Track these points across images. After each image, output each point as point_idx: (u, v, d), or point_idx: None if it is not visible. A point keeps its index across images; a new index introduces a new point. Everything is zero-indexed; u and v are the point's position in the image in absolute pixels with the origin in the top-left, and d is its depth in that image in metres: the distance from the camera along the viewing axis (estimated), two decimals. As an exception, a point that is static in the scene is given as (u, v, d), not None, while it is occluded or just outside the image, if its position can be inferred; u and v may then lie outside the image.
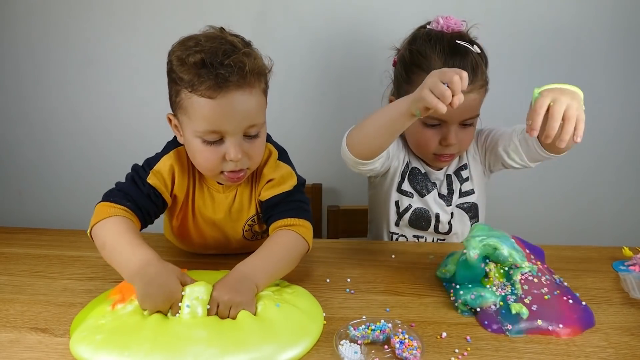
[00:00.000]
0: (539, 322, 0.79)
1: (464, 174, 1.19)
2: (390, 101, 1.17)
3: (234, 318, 0.77)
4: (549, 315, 0.80)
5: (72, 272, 0.99)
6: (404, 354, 0.72)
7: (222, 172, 0.92)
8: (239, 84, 0.84)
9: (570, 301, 0.85)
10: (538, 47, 1.41)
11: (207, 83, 0.83)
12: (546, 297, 0.84)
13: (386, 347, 0.75)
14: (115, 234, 0.85)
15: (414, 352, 0.72)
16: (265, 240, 0.92)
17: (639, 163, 1.50)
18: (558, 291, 0.86)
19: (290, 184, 0.98)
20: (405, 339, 0.74)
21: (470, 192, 1.20)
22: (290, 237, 0.92)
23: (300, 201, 0.98)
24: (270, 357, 0.72)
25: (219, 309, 0.78)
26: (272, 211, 0.97)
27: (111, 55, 1.47)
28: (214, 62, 0.83)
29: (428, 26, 1.12)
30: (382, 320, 0.78)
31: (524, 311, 0.80)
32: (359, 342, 0.75)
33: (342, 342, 0.74)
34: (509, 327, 0.79)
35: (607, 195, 1.53)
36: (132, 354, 0.71)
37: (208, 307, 0.78)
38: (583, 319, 0.82)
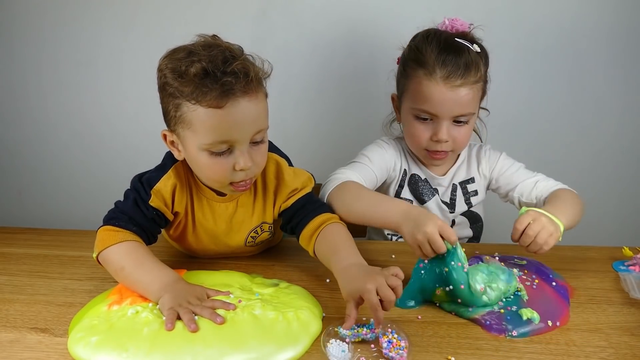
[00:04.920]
0: (549, 322, 0.80)
1: (470, 187, 1.19)
2: (392, 98, 1.18)
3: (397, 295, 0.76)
4: (548, 312, 0.82)
5: (72, 272, 0.99)
6: (391, 354, 0.72)
7: (230, 183, 0.90)
8: (244, 90, 0.82)
9: (554, 284, 0.91)
10: (539, 47, 1.41)
11: (212, 93, 0.81)
12: (534, 286, 0.90)
13: (373, 346, 0.75)
14: (136, 258, 0.87)
15: (401, 351, 0.72)
16: (327, 239, 0.92)
17: (639, 162, 1.50)
18: (536, 280, 0.92)
19: (310, 186, 1.00)
20: (394, 338, 0.74)
21: (476, 205, 1.20)
22: (343, 230, 0.95)
23: (320, 199, 1.02)
24: (268, 357, 0.72)
25: (380, 293, 0.75)
26: (300, 213, 0.97)
27: (110, 56, 1.47)
28: (217, 71, 0.81)
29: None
30: (372, 320, 0.78)
31: (536, 316, 0.80)
32: (347, 340, 0.75)
33: (331, 341, 0.74)
34: (514, 333, 0.78)
35: (606, 195, 1.53)
36: (132, 355, 0.71)
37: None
38: (565, 297, 0.88)
